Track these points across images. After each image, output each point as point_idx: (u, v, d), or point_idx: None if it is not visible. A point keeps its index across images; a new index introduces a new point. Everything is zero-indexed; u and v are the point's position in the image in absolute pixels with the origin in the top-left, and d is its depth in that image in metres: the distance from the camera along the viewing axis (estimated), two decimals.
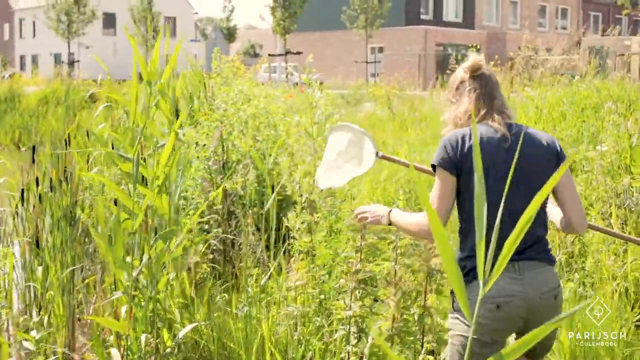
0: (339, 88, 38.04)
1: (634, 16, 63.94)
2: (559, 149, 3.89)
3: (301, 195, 6.53)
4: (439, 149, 3.78)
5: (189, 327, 4.41)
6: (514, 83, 15.89)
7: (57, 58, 70.67)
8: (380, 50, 55.03)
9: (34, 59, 77.98)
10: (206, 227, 8.42)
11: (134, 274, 3.97)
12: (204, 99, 10.23)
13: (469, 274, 3.69)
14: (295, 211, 6.26)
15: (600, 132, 9.77)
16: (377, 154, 4.35)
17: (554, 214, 4.02)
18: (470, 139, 3.74)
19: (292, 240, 6.45)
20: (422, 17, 58.08)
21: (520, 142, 3.42)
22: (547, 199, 3.92)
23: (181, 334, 4.32)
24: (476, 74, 3.93)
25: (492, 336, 3.67)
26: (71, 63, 50.75)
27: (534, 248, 3.75)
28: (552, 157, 3.83)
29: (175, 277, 4.95)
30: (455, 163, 3.72)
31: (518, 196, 3.62)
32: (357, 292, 4.18)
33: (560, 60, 20.07)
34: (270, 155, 8.76)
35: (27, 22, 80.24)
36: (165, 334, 4.26)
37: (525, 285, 3.67)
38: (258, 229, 8.55)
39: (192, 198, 8.11)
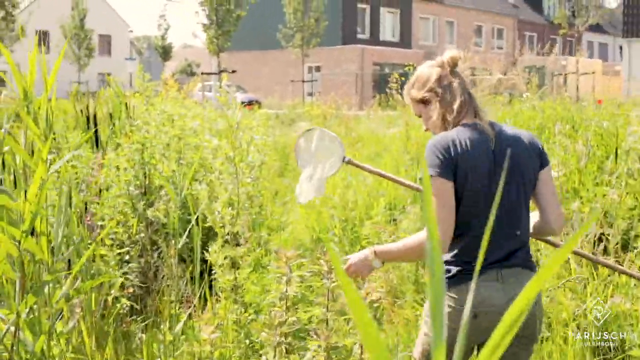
0: (276, 108, 37.54)
1: (569, 36, 64.44)
2: (540, 147, 3.81)
3: (223, 227, 5.94)
4: (430, 158, 3.59)
5: None
6: None
7: None
8: (318, 69, 54.72)
9: None
10: (127, 257, 7.80)
11: None
12: (125, 120, 9.58)
13: (454, 276, 3.58)
14: (216, 245, 5.67)
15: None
16: (344, 159, 4.31)
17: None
18: (460, 141, 3.59)
19: (215, 276, 5.84)
20: (359, 36, 57.87)
21: (503, 143, 3.56)
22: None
23: None
24: (455, 69, 3.82)
25: (466, 344, 3.59)
26: None
27: (519, 254, 3.65)
28: (535, 156, 3.74)
29: (70, 330, 4.27)
30: (450, 168, 3.56)
31: (509, 197, 3.62)
32: (281, 347, 3.57)
33: (499, 80, 19.77)
34: (191, 180, 8.15)
35: None
36: None
37: (507, 294, 3.56)
38: (183, 260, 7.95)
39: (110, 226, 7.43)
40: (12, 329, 3.14)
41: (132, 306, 7.31)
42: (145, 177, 8.34)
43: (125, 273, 7.37)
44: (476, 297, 3.54)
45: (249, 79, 56.27)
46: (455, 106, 3.72)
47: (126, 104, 9.59)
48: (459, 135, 3.63)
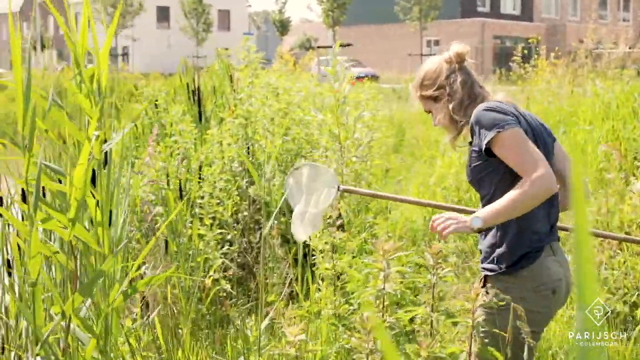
0: (393, 82, 36.95)
1: None
2: (549, 128, 3.84)
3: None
4: (495, 114, 3.50)
5: None
6: (578, 76, 14.68)
7: (111, 51, 70.34)
8: (436, 43, 53.72)
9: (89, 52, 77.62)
10: (229, 237, 7.44)
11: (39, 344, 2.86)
12: (229, 93, 9.22)
13: (521, 259, 3.53)
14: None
15: None
16: (338, 188, 4.26)
17: None
18: (508, 107, 3.59)
19: (314, 261, 5.40)
20: (479, 9, 56.71)
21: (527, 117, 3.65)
22: None
23: None
24: (463, 64, 3.79)
25: (544, 327, 3.72)
26: (120, 56, 50.34)
27: (555, 228, 3.71)
28: (550, 134, 3.78)
29: (140, 325, 3.85)
30: (519, 120, 3.54)
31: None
32: (374, 355, 3.08)
33: (625, 53, 18.83)
34: (296, 156, 7.74)
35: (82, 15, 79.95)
36: None
37: (563, 266, 3.63)
38: (287, 241, 7.56)
39: (209, 205, 7.09)
40: (65, 328, 2.76)
41: (232, 289, 6.97)
42: (248, 153, 7.96)
43: (225, 254, 7.02)
44: (547, 274, 3.54)
45: (366, 53, 55.66)
46: (465, 102, 3.70)
47: (231, 77, 9.22)
48: (496, 103, 3.62)
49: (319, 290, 5.02)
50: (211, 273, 6.63)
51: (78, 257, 2.86)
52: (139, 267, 3.95)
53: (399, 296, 3.23)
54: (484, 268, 3.64)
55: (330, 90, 6.48)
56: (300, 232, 4.16)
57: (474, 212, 3.65)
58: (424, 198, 8.62)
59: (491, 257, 3.59)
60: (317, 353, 3.87)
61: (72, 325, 2.85)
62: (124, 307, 3.40)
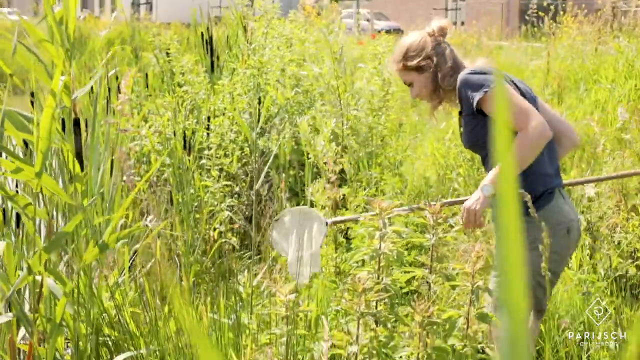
0: None
1: None
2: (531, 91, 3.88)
3: (326, 163, 5.32)
4: (481, 76, 3.59)
5: (119, 358, 3.05)
6: (602, 34, 14.35)
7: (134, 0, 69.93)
8: None
9: (114, 1, 77.29)
10: (237, 189, 7.31)
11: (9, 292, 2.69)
12: (242, 44, 9.02)
13: (537, 200, 3.55)
14: (318, 183, 5.08)
15: None
16: (326, 223, 4.19)
17: None
18: (486, 68, 3.68)
19: None
20: None
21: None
22: None
23: None
24: (445, 38, 3.91)
25: (562, 269, 3.77)
26: (140, 5, 50.04)
27: (559, 172, 3.82)
28: (532, 95, 3.81)
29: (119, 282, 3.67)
30: (505, 79, 3.63)
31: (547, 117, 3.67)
32: (366, 318, 2.93)
33: None
34: (307, 110, 7.56)
35: None
36: None
37: (571, 208, 3.74)
38: (296, 194, 7.41)
39: (217, 157, 6.94)
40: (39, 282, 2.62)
41: (240, 241, 6.84)
42: (259, 104, 7.79)
43: (231, 207, 6.89)
44: (561, 214, 3.62)
45: (391, 6, 55.08)
46: (450, 71, 3.78)
47: (244, 27, 9.01)
48: (479, 67, 3.72)
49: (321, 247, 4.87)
50: (216, 225, 6.50)
51: (53, 210, 2.72)
52: (126, 219, 3.84)
53: (395, 257, 3.04)
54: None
55: (325, 43, 6.29)
56: (303, 276, 3.96)
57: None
58: (437, 153, 8.44)
59: None
60: (309, 314, 3.71)
61: (47, 281, 2.72)
62: (104, 262, 3.26)
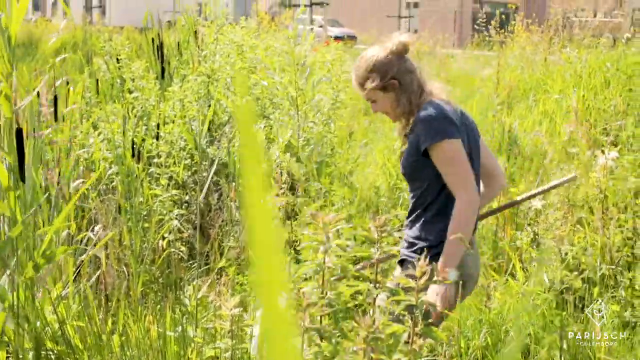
0: (370, 44, 36.69)
1: None
2: (476, 126, 3.96)
3: (280, 174, 5.31)
4: (436, 124, 3.60)
5: None
6: (552, 44, 14.50)
7: (87, 3, 69.34)
8: (415, 5, 53.36)
9: (67, 4, 76.51)
10: (186, 198, 7.27)
11: None
12: (193, 50, 8.98)
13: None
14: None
15: None
16: None
17: None
18: (451, 111, 3.70)
19: None
20: None
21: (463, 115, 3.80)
22: None
23: None
24: (407, 54, 3.86)
25: (443, 319, 3.73)
26: (93, 8, 49.64)
27: (476, 223, 3.79)
28: (477, 132, 3.91)
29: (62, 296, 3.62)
30: (460, 130, 3.64)
31: (479, 164, 3.83)
32: (310, 333, 2.92)
33: (602, 21, 18.69)
34: (258, 119, 7.52)
35: None
36: None
37: (475, 261, 3.79)
38: None
39: (166, 166, 6.89)
40: None
41: (189, 251, 6.80)
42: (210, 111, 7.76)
43: (181, 215, 6.84)
44: (462, 267, 3.58)
45: (345, 13, 55.24)
46: (416, 90, 3.77)
47: (195, 33, 8.97)
48: (444, 105, 3.70)
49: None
50: (165, 234, 6.46)
51: None
52: (61, 230, 3.79)
53: (338, 271, 3.04)
54: (405, 254, 3.77)
55: (289, 53, 6.28)
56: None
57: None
58: (388, 162, 8.45)
59: (415, 247, 3.71)
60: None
61: None
62: (47, 275, 3.21)
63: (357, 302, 3.21)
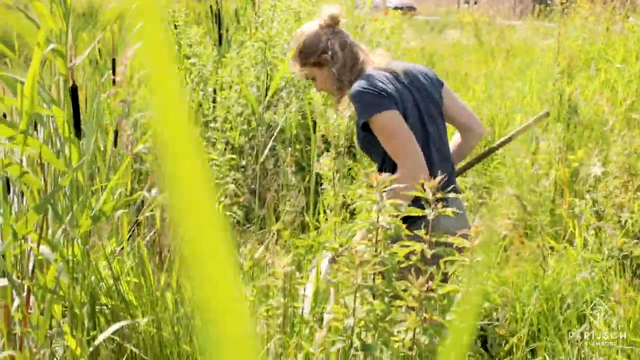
0: (430, 14, 36.41)
1: None
2: (427, 69, 3.89)
3: (337, 136, 5.29)
4: (370, 99, 3.55)
5: (113, 327, 3.01)
6: (614, 14, 14.25)
7: None
8: None
9: None
10: (243, 162, 7.29)
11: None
12: (252, 17, 8.97)
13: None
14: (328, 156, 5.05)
15: None
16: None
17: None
18: (383, 80, 3.61)
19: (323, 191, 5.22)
20: None
21: (409, 75, 3.70)
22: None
23: (101, 336, 2.97)
24: (338, 26, 3.84)
25: None
26: None
27: (452, 176, 3.80)
28: (430, 79, 3.82)
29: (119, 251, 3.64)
30: (393, 102, 3.55)
31: (437, 125, 3.73)
32: (363, 291, 2.91)
33: None
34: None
35: None
36: (71, 341, 2.92)
37: (450, 221, 3.60)
38: (302, 169, 7.39)
39: (223, 130, 6.92)
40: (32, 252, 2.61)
41: (245, 215, 6.82)
42: (267, 77, 7.76)
43: (236, 180, 6.87)
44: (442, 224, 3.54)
45: None
46: (349, 64, 3.75)
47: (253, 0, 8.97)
48: (378, 76, 3.64)
49: (327, 220, 4.85)
50: (221, 198, 6.49)
51: (44, 175, 2.69)
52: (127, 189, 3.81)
53: (392, 230, 3.02)
54: None
55: (349, 17, 6.24)
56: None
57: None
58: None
59: None
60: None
61: (41, 248, 2.70)
62: (103, 230, 3.23)
63: (410, 262, 3.18)
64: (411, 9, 39.06)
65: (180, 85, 0.47)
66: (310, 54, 3.79)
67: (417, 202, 3.40)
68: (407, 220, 3.42)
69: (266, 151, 6.86)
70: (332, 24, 3.80)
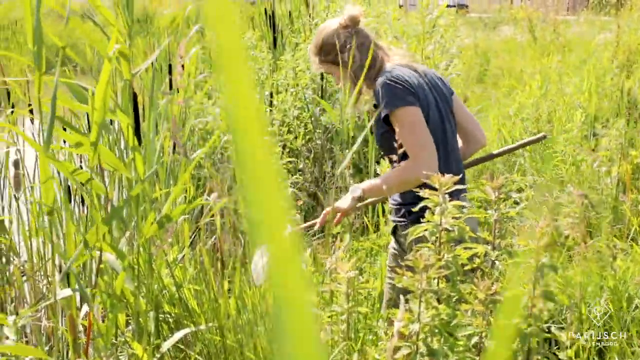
0: (483, 12, 36.15)
1: None
2: (441, 76, 3.93)
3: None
4: (394, 92, 3.57)
5: (178, 334, 3.00)
6: None
7: None
8: None
9: None
10: (300, 166, 7.28)
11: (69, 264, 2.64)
12: (306, 19, 8.97)
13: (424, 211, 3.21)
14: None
15: None
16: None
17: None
18: (407, 77, 3.63)
19: None
20: None
21: (427, 76, 3.75)
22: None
23: (167, 344, 2.96)
24: (359, 26, 3.87)
25: None
26: None
27: (462, 178, 3.84)
28: (449, 90, 3.88)
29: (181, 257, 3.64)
30: (416, 97, 3.60)
31: (451, 126, 3.80)
32: (428, 296, 2.87)
33: None
34: None
35: None
36: (138, 349, 2.90)
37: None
38: (360, 171, 7.37)
39: (280, 134, 6.93)
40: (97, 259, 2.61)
41: (304, 218, 6.81)
42: (322, 80, 7.74)
43: (295, 183, 6.87)
44: None
45: None
46: (368, 64, 3.70)
47: (306, 2, 8.96)
48: (403, 71, 3.67)
49: (386, 223, 4.83)
50: None
51: (109, 182, 2.69)
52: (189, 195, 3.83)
53: (456, 233, 2.98)
54: (393, 220, 3.89)
55: (418, 19, 6.23)
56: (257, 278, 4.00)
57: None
58: (503, 128, 8.32)
59: (401, 212, 3.78)
60: (371, 291, 3.66)
61: (107, 256, 2.70)
62: (167, 237, 3.22)
63: (474, 265, 3.14)
64: (463, 6, 38.84)
65: (254, 85, 0.46)
66: (329, 52, 3.85)
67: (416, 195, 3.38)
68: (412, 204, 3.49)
69: (321, 154, 6.86)
70: (352, 25, 3.85)
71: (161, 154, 3.19)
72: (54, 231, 2.78)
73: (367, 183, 3.74)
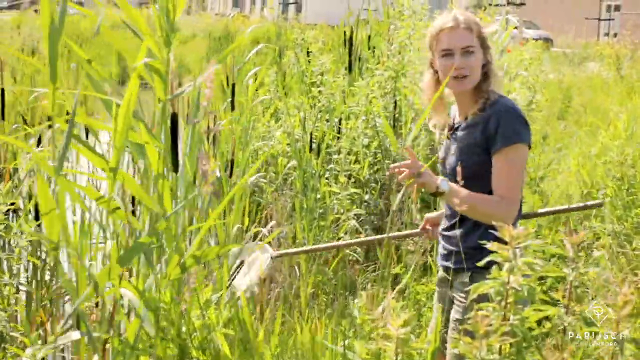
0: (569, 47, 35.53)
1: None
2: None
3: None
4: (521, 125, 3.37)
5: None
6: None
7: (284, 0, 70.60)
8: (617, 8, 51.40)
9: (264, 1, 78.17)
10: (366, 197, 6.95)
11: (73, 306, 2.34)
12: (384, 45, 8.68)
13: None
14: None
15: None
16: (271, 257, 4.24)
17: None
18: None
19: None
20: None
21: None
22: None
23: None
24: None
25: None
26: (289, 4, 50.39)
27: None
28: None
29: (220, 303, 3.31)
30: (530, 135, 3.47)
31: None
32: None
33: None
34: None
35: None
36: None
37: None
38: (428, 206, 7.02)
39: (346, 162, 6.62)
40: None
41: (365, 253, 6.47)
42: (395, 108, 7.42)
43: (358, 215, 6.55)
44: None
45: (541, 15, 53.84)
46: (492, 68, 3.55)
47: (388, 27, 8.66)
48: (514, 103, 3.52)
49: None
50: (341, 234, 6.19)
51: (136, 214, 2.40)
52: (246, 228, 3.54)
53: (525, 293, 2.62)
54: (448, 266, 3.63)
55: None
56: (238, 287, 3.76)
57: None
58: (582, 169, 7.88)
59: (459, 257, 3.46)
60: (422, 352, 3.31)
61: (126, 294, 2.40)
62: (195, 276, 2.91)
63: (544, 330, 2.79)
64: (547, 40, 38.26)
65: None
66: (484, 46, 3.56)
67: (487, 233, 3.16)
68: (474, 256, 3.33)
69: (389, 185, 6.54)
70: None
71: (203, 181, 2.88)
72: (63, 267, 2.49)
73: (457, 186, 3.36)
